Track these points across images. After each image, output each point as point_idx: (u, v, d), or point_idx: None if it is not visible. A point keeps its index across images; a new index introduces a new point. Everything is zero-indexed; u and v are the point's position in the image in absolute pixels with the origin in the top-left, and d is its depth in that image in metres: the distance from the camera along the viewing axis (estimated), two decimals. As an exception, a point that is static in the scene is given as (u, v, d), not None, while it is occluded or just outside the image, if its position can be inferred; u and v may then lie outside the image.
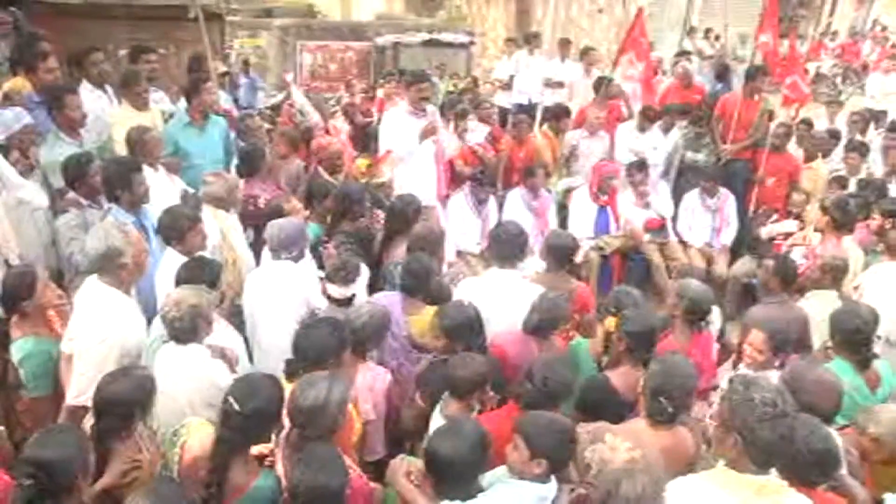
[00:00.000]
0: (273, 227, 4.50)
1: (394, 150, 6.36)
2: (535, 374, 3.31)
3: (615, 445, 2.66)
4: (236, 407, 2.87)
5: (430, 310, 4.25)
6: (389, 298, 4.37)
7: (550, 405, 3.24)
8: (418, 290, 4.32)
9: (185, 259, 4.17)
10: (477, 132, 7.52)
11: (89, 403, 3.21)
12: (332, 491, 2.66)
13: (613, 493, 2.52)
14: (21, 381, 3.76)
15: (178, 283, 3.80)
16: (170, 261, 4.21)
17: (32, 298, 3.74)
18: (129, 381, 3.04)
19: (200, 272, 3.87)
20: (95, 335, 3.53)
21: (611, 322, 3.98)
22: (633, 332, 3.73)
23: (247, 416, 2.87)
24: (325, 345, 3.38)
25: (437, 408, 3.57)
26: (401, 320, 4.23)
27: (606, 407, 3.34)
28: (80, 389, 3.48)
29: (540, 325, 3.98)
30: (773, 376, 3.60)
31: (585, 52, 11.10)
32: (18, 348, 3.73)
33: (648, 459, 2.65)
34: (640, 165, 7.50)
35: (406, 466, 3.07)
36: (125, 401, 2.98)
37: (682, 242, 7.49)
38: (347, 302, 4.17)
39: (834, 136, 8.45)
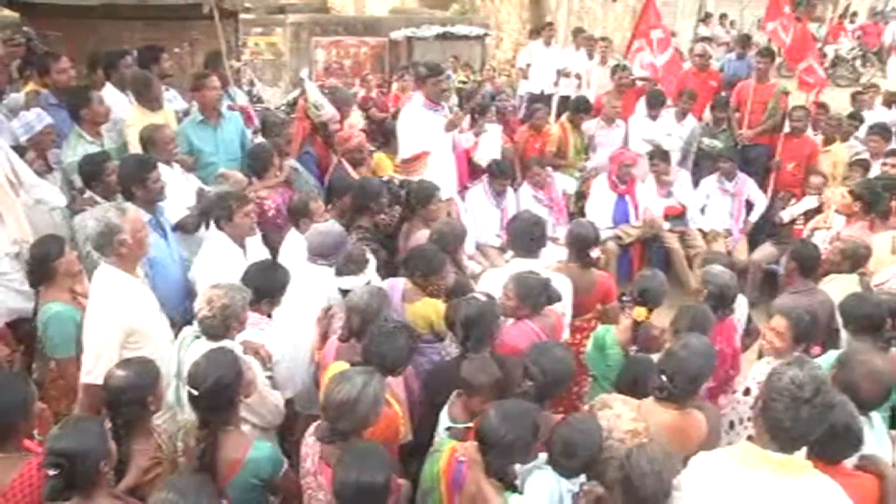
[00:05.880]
0: (314, 234, 4.47)
1: (429, 151, 6.30)
2: (530, 368, 3.29)
3: (621, 413, 2.64)
4: (195, 392, 2.96)
5: (428, 300, 4.26)
6: (393, 284, 4.39)
7: (557, 390, 3.27)
8: (418, 277, 4.31)
9: (233, 246, 4.30)
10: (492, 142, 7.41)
11: (98, 381, 3.29)
12: (377, 488, 2.66)
13: (626, 466, 2.52)
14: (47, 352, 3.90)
15: (246, 283, 3.84)
16: (215, 246, 4.30)
17: (62, 259, 3.87)
18: (130, 368, 3.08)
19: (266, 276, 3.95)
20: (97, 315, 3.57)
21: (640, 312, 3.95)
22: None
23: (205, 395, 2.94)
24: (400, 354, 3.40)
25: (444, 409, 3.56)
26: (399, 307, 4.25)
27: (648, 387, 3.31)
28: (88, 368, 3.53)
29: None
30: None
31: (595, 41, 11.07)
32: (44, 311, 3.84)
33: (651, 431, 2.65)
34: (664, 155, 7.45)
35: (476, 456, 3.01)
36: (130, 387, 3.00)
37: (702, 231, 7.44)
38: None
39: (855, 118, 8.33)
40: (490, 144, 7.10)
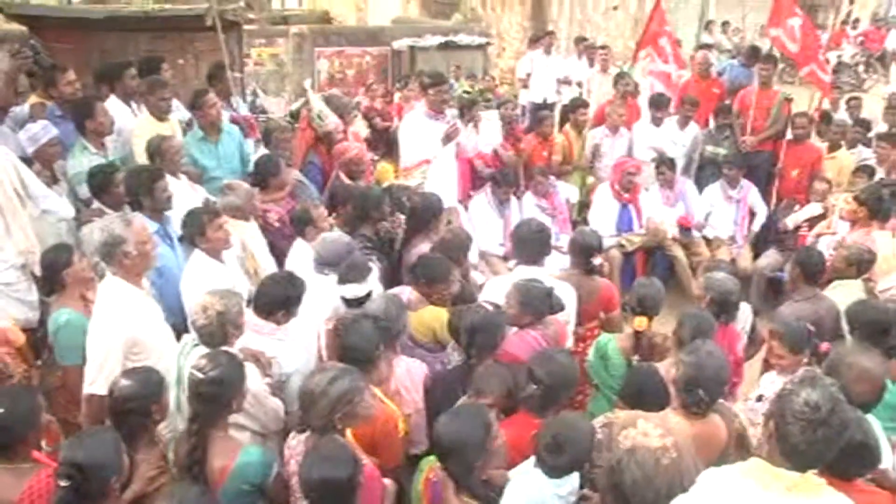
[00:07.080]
0: (322, 243, 4.47)
1: (430, 159, 6.32)
2: (535, 372, 3.29)
3: (647, 431, 2.64)
4: (199, 375, 2.96)
5: (432, 308, 4.27)
6: (399, 292, 4.39)
7: (563, 396, 3.28)
8: (423, 285, 4.33)
9: (211, 261, 4.26)
10: (492, 129, 7.40)
11: (100, 392, 3.34)
12: (340, 482, 2.65)
13: (617, 472, 2.47)
14: (55, 360, 3.95)
15: (259, 295, 3.86)
16: (196, 263, 4.25)
17: (71, 268, 3.93)
18: (135, 378, 3.10)
19: (283, 286, 3.90)
20: (100, 326, 3.58)
21: (640, 321, 3.95)
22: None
23: (210, 383, 2.95)
24: (370, 341, 3.40)
25: None
26: None
27: (653, 396, 3.30)
28: (91, 378, 3.53)
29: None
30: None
31: (596, 49, 11.09)
32: (54, 320, 3.88)
33: (680, 446, 2.63)
34: (670, 163, 7.45)
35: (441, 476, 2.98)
36: (135, 397, 3.02)
37: (706, 238, 7.43)
38: (361, 302, 4.09)
39: (861, 125, 8.32)
40: (491, 131, 7.07)
